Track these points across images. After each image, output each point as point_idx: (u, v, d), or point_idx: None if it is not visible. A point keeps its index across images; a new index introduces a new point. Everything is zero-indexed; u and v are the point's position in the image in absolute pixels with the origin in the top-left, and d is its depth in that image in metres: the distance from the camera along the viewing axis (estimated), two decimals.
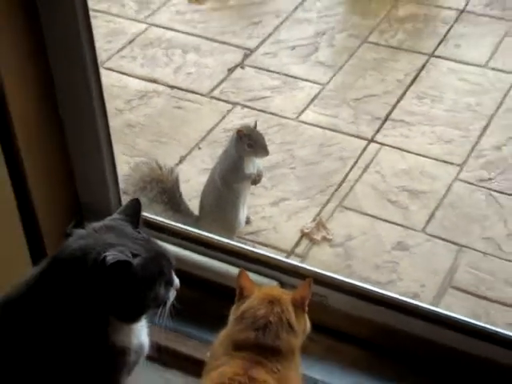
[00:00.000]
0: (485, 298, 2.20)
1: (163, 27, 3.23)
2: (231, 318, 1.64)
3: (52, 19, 1.80)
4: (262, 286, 1.69)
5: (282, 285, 1.98)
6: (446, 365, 1.88)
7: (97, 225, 1.50)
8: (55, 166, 2.01)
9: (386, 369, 1.91)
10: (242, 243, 2.23)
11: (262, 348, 1.54)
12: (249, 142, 2.30)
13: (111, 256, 1.36)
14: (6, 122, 1.78)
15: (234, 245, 2.11)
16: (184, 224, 2.21)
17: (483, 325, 1.90)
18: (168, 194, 2.40)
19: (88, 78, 1.89)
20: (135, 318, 1.48)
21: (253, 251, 2.08)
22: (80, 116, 1.95)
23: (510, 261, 2.30)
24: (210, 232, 2.15)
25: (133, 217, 1.52)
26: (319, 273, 2.00)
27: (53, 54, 1.86)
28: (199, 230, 2.19)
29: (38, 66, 1.86)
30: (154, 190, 2.38)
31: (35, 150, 1.91)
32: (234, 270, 2.01)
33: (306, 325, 1.62)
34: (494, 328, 1.89)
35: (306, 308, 1.62)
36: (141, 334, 1.56)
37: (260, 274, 2.00)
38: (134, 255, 1.40)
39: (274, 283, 1.98)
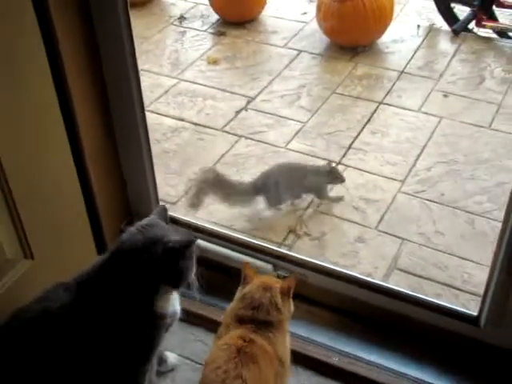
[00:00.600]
0: (420, 276, 2.15)
1: (189, 81, 3.17)
2: (236, 296, 1.62)
3: (114, 77, 1.77)
4: (260, 275, 1.65)
5: (275, 267, 1.95)
6: (393, 324, 1.84)
7: (141, 223, 1.49)
8: (113, 181, 1.97)
9: (351, 328, 1.87)
10: (247, 237, 2.19)
11: (257, 321, 1.53)
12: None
13: (173, 241, 1.40)
14: (79, 150, 1.75)
15: (239, 237, 2.07)
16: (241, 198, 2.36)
17: (419, 295, 1.87)
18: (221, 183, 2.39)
19: (136, 119, 1.86)
20: (183, 283, 1.47)
21: (254, 242, 2.04)
22: (131, 145, 1.92)
23: (437, 250, 2.24)
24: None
25: (162, 217, 1.51)
26: (301, 258, 1.96)
27: (114, 105, 1.83)
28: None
29: (103, 113, 1.84)
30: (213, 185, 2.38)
31: (99, 170, 1.88)
32: (239, 256, 1.99)
33: (290, 307, 1.59)
34: (426, 297, 1.86)
35: (291, 295, 1.59)
36: (175, 303, 1.54)
37: (259, 259, 1.97)
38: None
39: (269, 266, 1.95)
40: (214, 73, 3.25)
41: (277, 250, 2.01)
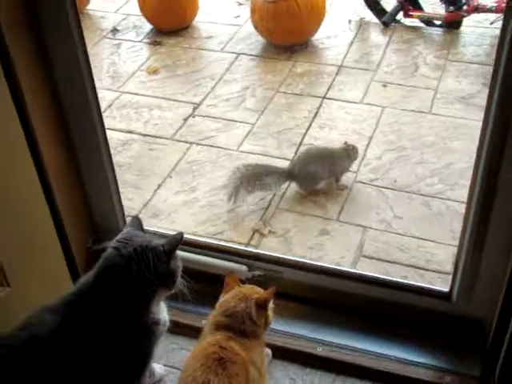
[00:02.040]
0: (385, 260, 2.22)
1: (132, 93, 3.16)
2: (216, 304, 1.65)
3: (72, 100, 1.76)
4: (242, 286, 1.68)
5: (250, 268, 1.98)
6: (369, 309, 1.91)
7: (121, 237, 1.49)
8: (78, 200, 1.96)
9: (329, 317, 1.92)
10: (217, 241, 2.22)
11: (232, 329, 1.56)
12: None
13: (162, 244, 1.43)
14: (43, 172, 1.73)
15: (209, 242, 2.09)
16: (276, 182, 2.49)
17: (392, 278, 1.94)
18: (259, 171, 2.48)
19: (98, 138, 1.86)
20: (176, 283, 1.51)
21: (225, 245, 2.06)
22: (92, 163, 1.92)
23: (398, 234, 2.32)
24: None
25: (137, 227, 1.53)
26: (275, 255, 2.00)
27: (73, 124, 1.82)
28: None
29: (64, 135, 1.83)
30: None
31: (64, 190, 1.86)
32: (211, 260, 2.01)
33: (268, 319, 1.61)
34: (399, 280, 1.93)
35: (270, 306, 1.62)
36: (164, 311, 1.55)
37: (232, 261, 2.00)
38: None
39: (244, 267, 1.97)
40: (155, 82, 3.25)
41: (250, 251, 2.05)
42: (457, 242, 2.26)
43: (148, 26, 3.73)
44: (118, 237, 1.48)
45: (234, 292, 1.65)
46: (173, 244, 1.48)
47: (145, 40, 3.64)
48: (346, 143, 2.58)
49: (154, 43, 3.59)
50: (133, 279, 1.43)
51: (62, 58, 1.70)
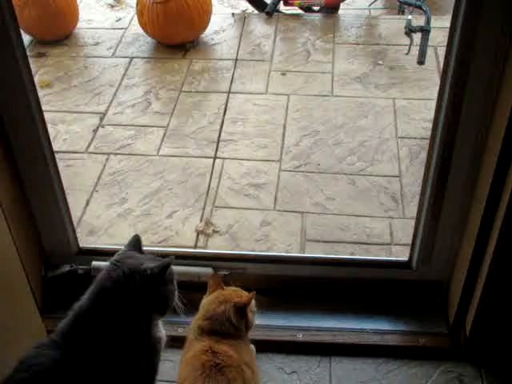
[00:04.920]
0: (329, 241, 2.31)
1: None
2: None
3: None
4: (227, 287, 1.69)
5: (215, 270, 1.98)
6: (337, 289, 1.99)
7: (116, 258, 1.46)
8: (28, 227, 1.87)
9: (299, 303, 1.98)
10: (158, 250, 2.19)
11: (216, 332, 1.58)
12: None
13: (151, 268, 1.37)
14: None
15: (168, 250, 2.07)
16: None
17: (352, 257, 2.04)
18: None
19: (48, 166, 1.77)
20: (169, 309, 1.46)
21: (185, 251, 2.06)
22: (40, 188, 1.82)
23: (334, 214, 2.43)
24: None
25: (136, 247, 1.50)
26: (237, 253, 2.04)
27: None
28: None
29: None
30: None
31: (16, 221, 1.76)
32: (178, 268, 1.98)
33: (248, 321, 1.62)
34: (359, 257, 2.03)
35: (252, 309, 1.64)
36: (162, 328, 1.53)
37: (196, 265, 1.99)
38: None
39: (209, 269, 1.98)
40: (51, 96, 3.11)
41: (211, 252, 2.07)
42: (388, 214, 2.44)
43: (26, 38, 3.54)
44: (113, 257, 1.43)
45: (216, 294, 1.66)
46: (161, 268, 1.40)
47: (27, 53, 3.44)
48: None
49: (38, 55, 3.42)
50: (124, 303, 1.40)
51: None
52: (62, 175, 1.92)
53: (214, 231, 2.37)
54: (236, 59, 3.35)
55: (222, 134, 2.85)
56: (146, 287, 1.39)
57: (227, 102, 3.05)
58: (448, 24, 1.49)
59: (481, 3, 1.39)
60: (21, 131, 1.69)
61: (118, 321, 1.38)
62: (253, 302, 1.63)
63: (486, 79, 1.49)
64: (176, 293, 1.48)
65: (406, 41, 3.09)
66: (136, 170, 2.66)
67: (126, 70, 3.29)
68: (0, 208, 1.58)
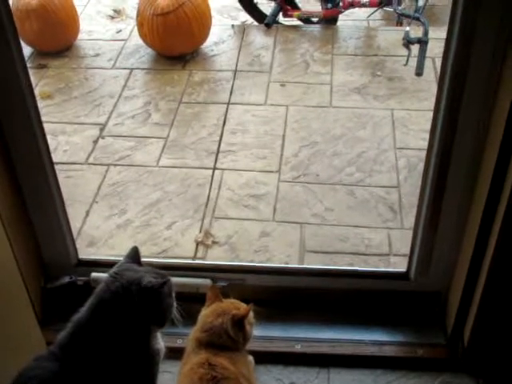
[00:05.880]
0: (328, 252, 2.31)
1: None
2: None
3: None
4: (225, 299, 1.68)
5: (214, 281, 1.99)
6: (334, 300, 1.99)
7: (115, 270, 1.46)
8: (28, 240, 1.87)
9: (297, 315, 1.98)
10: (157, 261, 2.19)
11: (213, 344, 1.57)
12: None
13: (150, 282, 1.37)
14: None
15: (168, 262, 2.08)
16: None
17: (352, 268, 2.05)
18: None
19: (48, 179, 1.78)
20: (167, 322, 1.46)
21: (185, 262, 2.06)
22: (41, 201, 1.83)
23: (333, 225, 2.43)
24: None
25: (135, 259, 1.50)
26: (236, 264, 2.04)
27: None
28: None
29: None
30: None
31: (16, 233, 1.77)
32: (178, 280, 1.98)
33: (246, 334, 1.61)
34: (358, 268, 2.04)
35: (250, 321, 1.63)
36: (160, 340, 1.54)
37: (195, 277, 2.00)
38: (156, 279, 1.42)
39: (208, 281, 1.98)
40: (52, 108, 3.12)
41: (210, 263, 2.07)
42: (387, 225, 2.45)
43: (27, 49, 3.56)
44: (113, 269, 1.44)
45: (214, 307, 1.66)
46: (159, 283, 1.40)
47: (28, 64, 3.46)
48: None
49: (39, 66, 3.44)
50: (123, 315, 1.40)
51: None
52: (61, 186, 1.93)
53: (214, 242, 2.37)
54: (235, 70, 3.37)
55: (222, 144, 2.86)
56: (144, 301, 1.40)
57: (226, 112, 3.06)
58: (445, 35, 1.50)
59: (475, 15, 1.40)
60: (21, 142, 1.70)
61: (116, 333, 1.38)
62: (251, 314, 1.63)
63: (482, 90, 1.50)
64: (175, 305, 1.48)
65: (404, 52, 3.10)
66: (136, 181, 2.67)
67: (126, 81, 3.31)
68: (0, 219, 1.59)
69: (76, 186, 2.65)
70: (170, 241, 2.38)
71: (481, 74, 1.48)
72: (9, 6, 1.52)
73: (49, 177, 1.79)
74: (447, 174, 1.66)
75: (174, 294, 1.48)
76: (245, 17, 3.94)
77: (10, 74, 1.58)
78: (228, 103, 3.12)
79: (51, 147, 2.78)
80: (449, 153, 1.62)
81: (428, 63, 3.18)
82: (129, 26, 3.81)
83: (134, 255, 1.48)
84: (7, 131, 1.67)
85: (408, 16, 3.32)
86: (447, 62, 1.51)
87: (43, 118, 1.79)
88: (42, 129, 1.73)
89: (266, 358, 1.86)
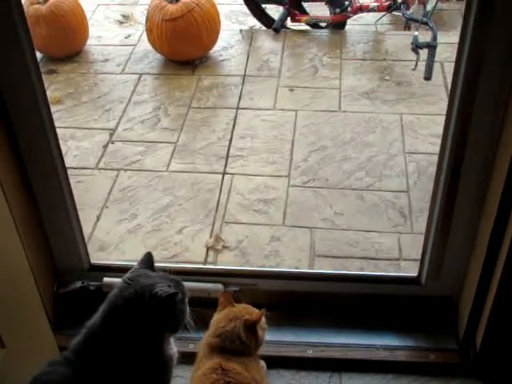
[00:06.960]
0: (338, 257, 2.31)
1: None
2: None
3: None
4: (237, 304, 1.69)
5: (225, 286, 1.99)
6: (345, 305, 1.99)
7: (129, 276, 1.46)
8: (41, 244, 1.88)
9: (308, 319, 1.99)
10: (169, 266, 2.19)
11: (225, 349, 1.57)
12: None
13: (162, 290, 1.37)
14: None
15: (179, 266, 2.07)
16: None
17: (361, 273, 2.05)
18: None
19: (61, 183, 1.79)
20: (180, 328, 1.46)
21: (196, 267, 2.07)
22: (54, 206, 1.84)
23: (343, 230, 2.43)
24: None
25: (148, 264, 1.50)
26: (248, 269, 2.04)
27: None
28: None
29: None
30: None
31: (29, 238, 1.78)
32: (189, 284, 1.99)
33: (258, 339, 1.61)
34: (368, 273, 2.04)
35: (263, 327, 1.63)
36: (173, 345, 1.54)
37: (206, 281, 2.00)
38: (169, 286, 1.42)
39: (220, 286, 1.98)
40: (62, 113, 3.14)
41: (222, 268, 2.08)
42: (396, 229, 2.45)
43: (37, 55, 3.57)
44: (126, 275, 1.44)
45: (226, 311, 1.67)
46: (171, 292, 1.39)
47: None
48: None
49: (49, 72, 3.45)
50: (136, 321, 1.40)
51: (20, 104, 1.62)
52: (74, 190, 1.94)
53: (224, 247, 2.37)
54: (244, 75, 3.38)
55: (231, 149, 2.87)
56: (157, 309, 1.39)
57: (236, 117, 3.07)
58: (454, 40, 1.51)
59: (488, 21, 1.40)
60: (34, 148, 1.71)
61: (129, 339, 1.39)
62: (263, 319, 1.63)
63: (495, 94, 1.50)
64: (188, 311, 1.48)
65: (413, 56, 3.10)
66: (146, 186, 2.68)
67: (136, 86, 3.32)
68: (14, 225, 1.60)
69: (86, 191, 2.66)
70: (181, 245, 2.39)
71: (493, 81, 1.48)
72: (24, 14, 1.53)
73: (62, 182, 1.80)
74: (459, 178, 1.66)
75: (187, 300, 1.48)
76: (253, 22, 3.96)
77: (24, 81, 1.59)
78: (237, 108, 3.13)
79: (62, 151, 2.85)
80: (461, 157, 1.62)
81: (436, 67, 3.17)
82: (138, 32, 3.82)
83: (148, 261, 1.49)
84: (21, 138, 1.68)
85: (416, 20, 3.33)
86: (459, 67, 1.51)
87: (55, 124, 1.81)
88: (55, 134, 1.73)
89: (277, 363, 1.86)
